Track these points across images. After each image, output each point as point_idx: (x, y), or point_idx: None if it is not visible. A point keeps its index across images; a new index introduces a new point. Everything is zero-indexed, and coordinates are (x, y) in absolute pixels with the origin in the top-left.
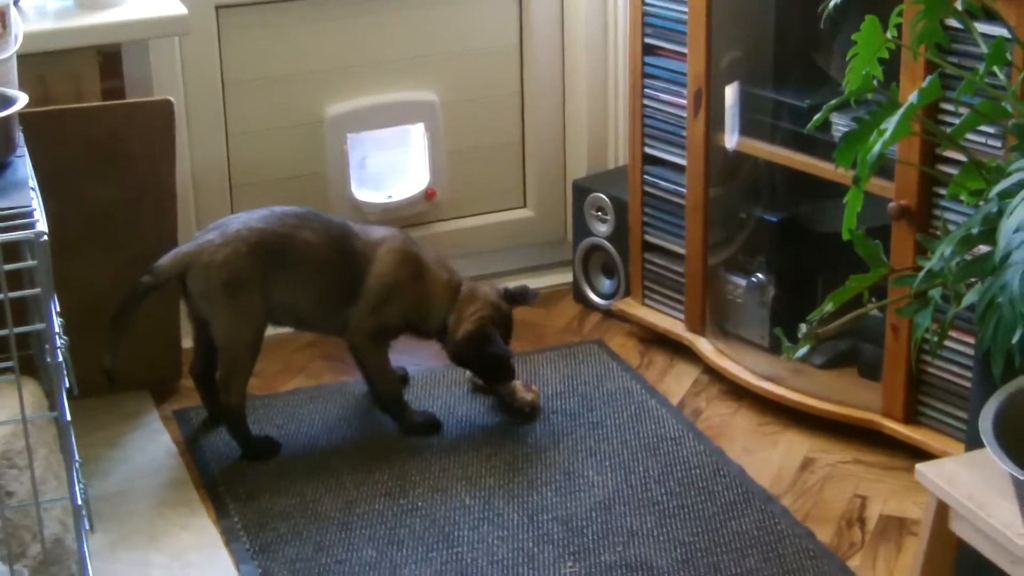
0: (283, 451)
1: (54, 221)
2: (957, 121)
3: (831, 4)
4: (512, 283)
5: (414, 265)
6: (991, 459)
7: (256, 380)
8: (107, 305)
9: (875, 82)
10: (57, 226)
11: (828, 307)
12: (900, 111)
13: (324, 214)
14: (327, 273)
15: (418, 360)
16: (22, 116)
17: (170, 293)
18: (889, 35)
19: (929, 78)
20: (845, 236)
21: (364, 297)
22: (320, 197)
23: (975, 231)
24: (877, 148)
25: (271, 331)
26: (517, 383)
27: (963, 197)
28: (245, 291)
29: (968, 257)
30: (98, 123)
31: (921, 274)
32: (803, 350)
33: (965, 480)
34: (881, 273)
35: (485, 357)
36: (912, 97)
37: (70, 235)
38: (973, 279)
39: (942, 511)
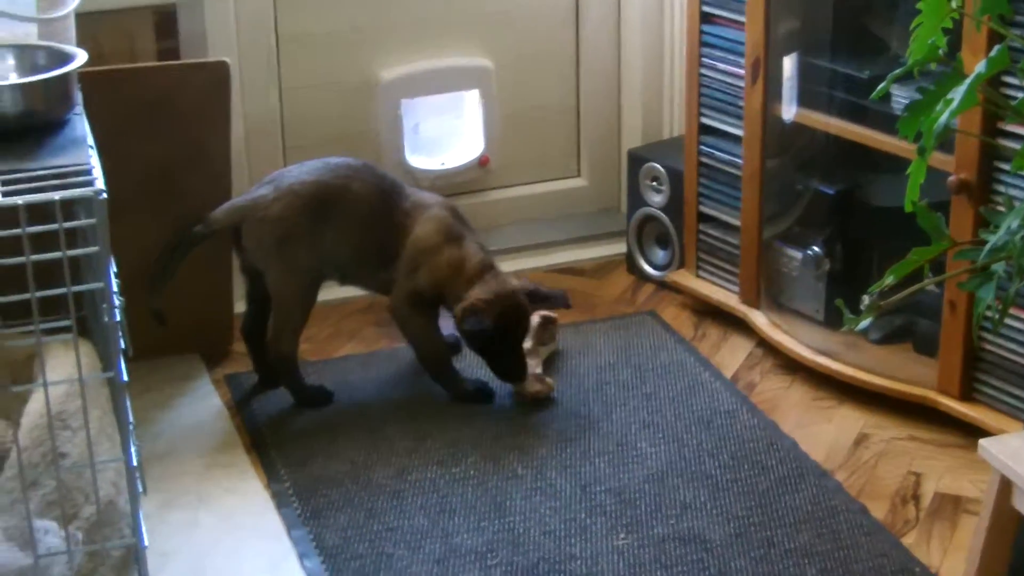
0: (334, 417)
1: (107, 181)
2: (1018, 93)
3: None
4: (562, 260)
5: (451, 235)
6: None
7: (308, 345)
8: None
9: (940, 52)
10: (110, 186)
11: (889, 280)
12: (967, 81)
13: (381, 170)
14: (370, 225)
15: None
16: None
17: (223, 257)
18: (953, 4)
19: (997, 47)
20: (907, 208)
21: (402, 260)
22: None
23: None
24: (944, 118)
25: (323, 296)
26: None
27: None
28: (299, 245)
29: None
30: (152, 84)
31: (986, 248)
32: (865, 322)
33: None
34: (943, 246)
35: (473, 343)
36: (979, 66)
37: (122, 195)
38: None
39: (1005, 487)
